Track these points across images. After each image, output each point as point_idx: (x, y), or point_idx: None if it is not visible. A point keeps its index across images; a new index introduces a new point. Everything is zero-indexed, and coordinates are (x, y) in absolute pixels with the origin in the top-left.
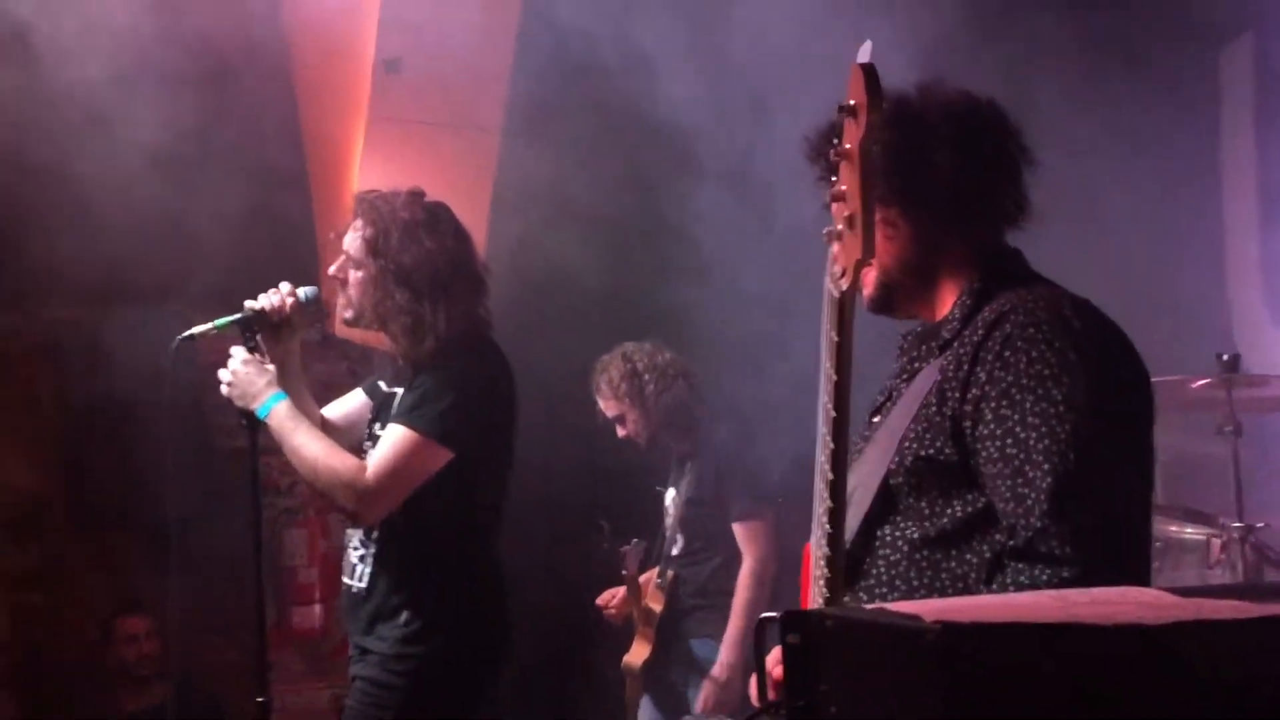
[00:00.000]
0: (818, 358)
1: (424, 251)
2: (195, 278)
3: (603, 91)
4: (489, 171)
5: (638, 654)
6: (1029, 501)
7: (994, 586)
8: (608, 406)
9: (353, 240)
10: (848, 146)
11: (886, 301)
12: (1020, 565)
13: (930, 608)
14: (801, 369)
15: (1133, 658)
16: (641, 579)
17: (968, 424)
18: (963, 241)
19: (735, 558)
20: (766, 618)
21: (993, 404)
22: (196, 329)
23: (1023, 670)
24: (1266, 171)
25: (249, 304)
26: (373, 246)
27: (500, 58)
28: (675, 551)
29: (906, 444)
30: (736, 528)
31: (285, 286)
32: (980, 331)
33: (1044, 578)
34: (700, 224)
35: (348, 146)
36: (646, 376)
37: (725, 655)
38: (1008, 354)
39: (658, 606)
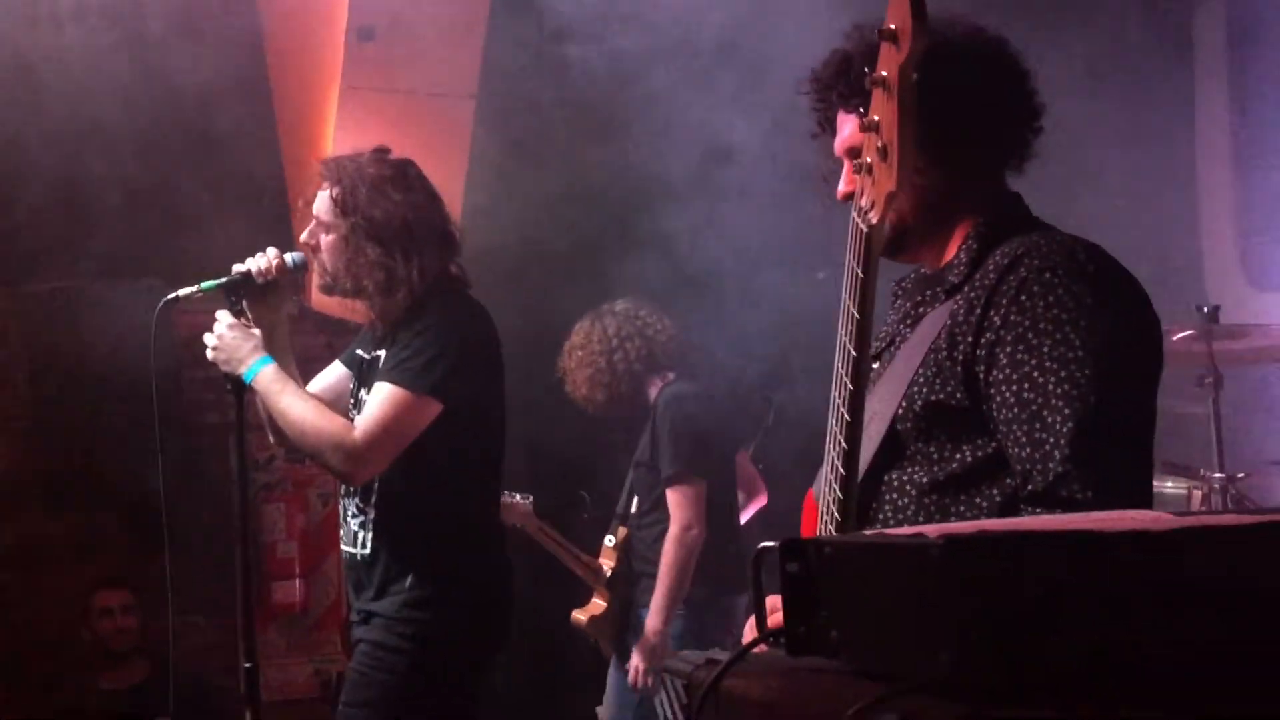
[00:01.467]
0: (759, 329)
1: (393, 205)
2: (168, 251)
3: (576, 53)
4: (464, 138)
5: (588, 611)
6: (1047, 446)
7: None
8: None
9: (321, 202)
10: (884, 74)
11: (897, 245)
12: (1038, 510)
13: (933, 529)
14: (742, 337)
15: (1139, 564)
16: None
17: (980, 369)
18: (978, 188)
19: None
20: (764, 547)
21: (1008, 349)
22: (182, 291)
23: (1030, 580)
24: (1238, 130)
25: (237, 268)
26: (342, 206)
27: (474, 22)
28: (632, 510)
29: (915, 389)
30: (667, 492)
31: (272, 251)
32: (992, 275)
33: None
34: (672, 184)
35: (321, 116)
36: (573, 356)
37: (650, 622)
38: (1023, 298)
39: (610, 563)
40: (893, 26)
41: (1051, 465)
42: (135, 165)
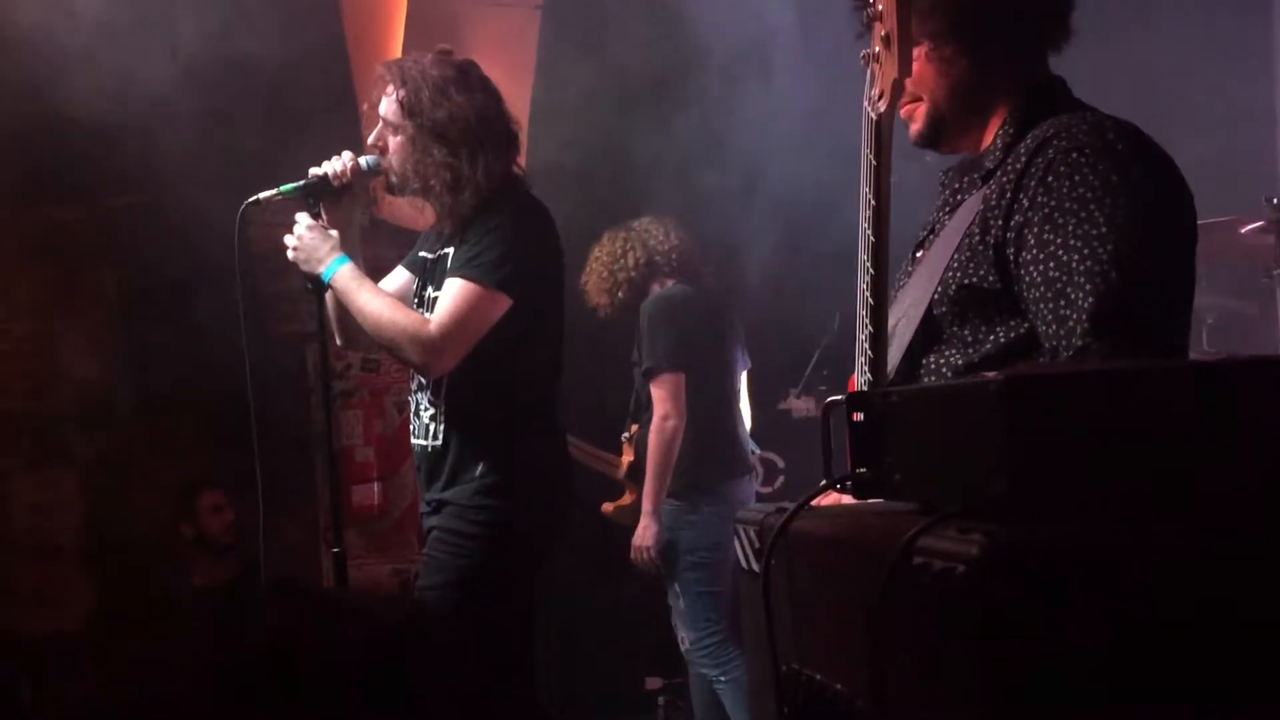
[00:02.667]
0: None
1: (456, 106)
2: (242, 162)
3: None
4: (530, 47)
5: (618, 503)
6: (1070, 322)
7: None
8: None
9: (387, 105)
10: None
11: (935, 136)
12: None
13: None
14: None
15: (1187, 395)
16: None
17: (1010, 250)
18: (1012, 73)
19: None
20: (832, 401)
21: (1035, 229)
22: (262, 194)
23: (1082, 416)
24: None
25: (313, 171)
26: (406, 107)
27: None
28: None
29: (950, 273)
30: (650, 386)
31: (347, 155)
32: (1023, 158)
33: None
34: (723, 98)
35: (390, 25)
36: (589, 268)
37: (643, 505)
38: (1050, 179)
39: (629, 457)
40: None
41: (1074, 340)
42: (206, 79)
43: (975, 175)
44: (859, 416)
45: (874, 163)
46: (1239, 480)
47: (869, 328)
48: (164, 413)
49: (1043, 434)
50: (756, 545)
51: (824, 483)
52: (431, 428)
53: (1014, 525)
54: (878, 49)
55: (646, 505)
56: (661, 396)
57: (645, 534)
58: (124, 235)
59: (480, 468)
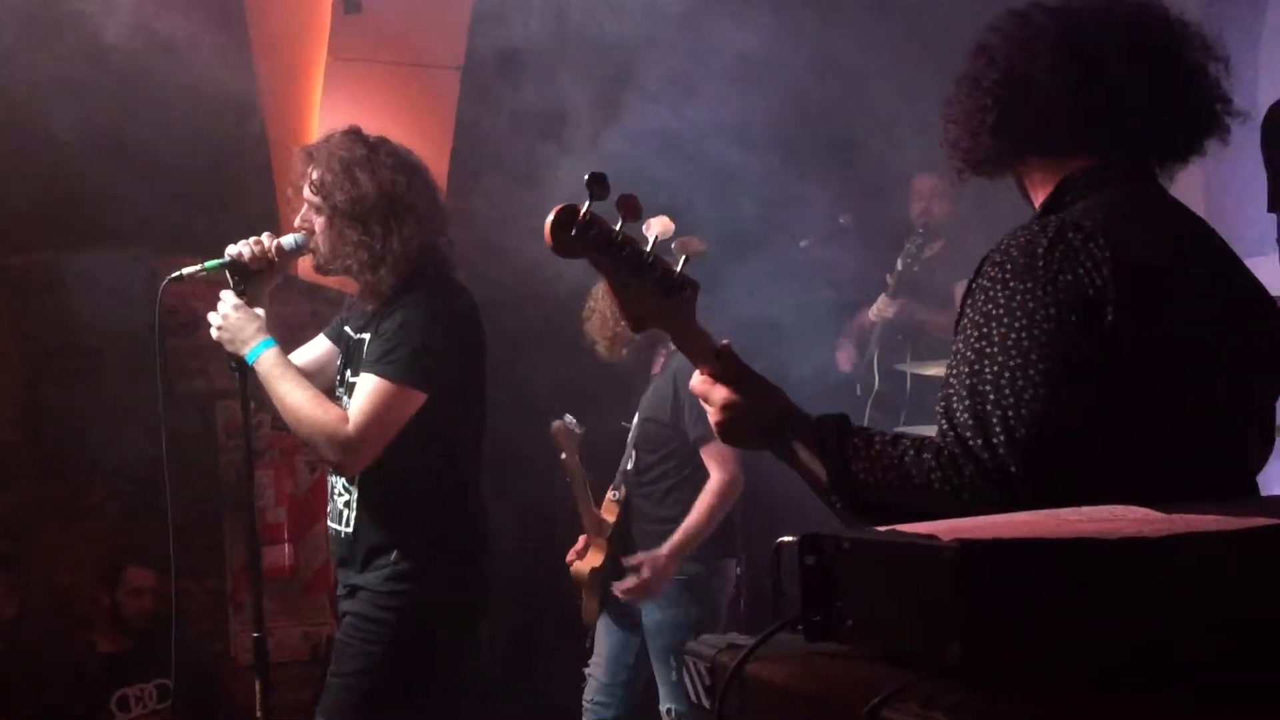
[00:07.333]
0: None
1: (361, 187)
2: (154, 222)
3: (560, 26)
4: (450, 110)
5: (588, 562)
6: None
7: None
8: (589, 332)
9: (307, 188)
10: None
11: None
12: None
13: (941, 528)
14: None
15: (1137, 569)
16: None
17: None
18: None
19: (689, 483)
20: (783, 542)
21: (962, 334)
22: (186, 270)
23: (1037, 584)
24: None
25: (230, 250)
26: (318, 190)
27: None
28: (629, 467)
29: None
30: (703, 452)
31: (267, 236)
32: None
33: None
34: (665, 154)
35: (306, 88)
36: (595, 311)
37: (666, 549)
38: (974, 288)
39: (611, 518)
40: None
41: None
42: (116, 134)
43: None
44: (811, 560)
45: None
46: (1193, 649)
47: None
48: (67, 475)
49: (996, 600)
50: (708, 682)
51: (776, 625)
52: (345, 514)
53: (976, 700)
54: None
55: (671, 550)
56: (724, 459)
57: (656, 575)
58: (24, 293)
59: (394, 554)
